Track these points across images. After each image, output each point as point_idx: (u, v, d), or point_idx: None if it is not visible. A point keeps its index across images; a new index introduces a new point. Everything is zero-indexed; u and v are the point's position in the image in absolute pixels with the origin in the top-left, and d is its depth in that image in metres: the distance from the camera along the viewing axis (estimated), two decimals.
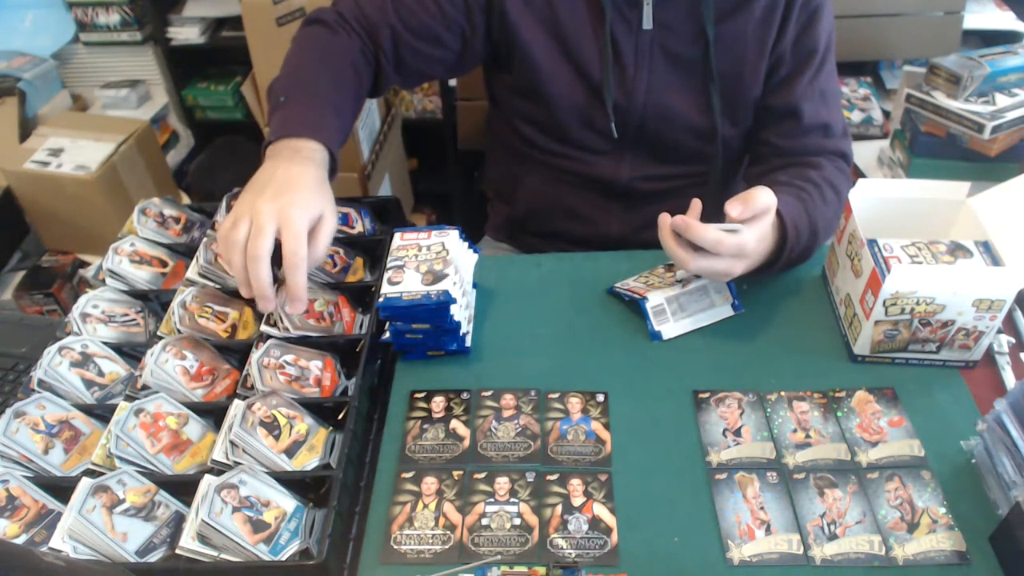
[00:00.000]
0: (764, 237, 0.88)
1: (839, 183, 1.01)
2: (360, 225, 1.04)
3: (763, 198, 0.85)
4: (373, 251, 1.00)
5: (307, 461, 0.74)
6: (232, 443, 0.73)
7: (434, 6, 1.01)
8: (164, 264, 0.98)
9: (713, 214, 0.89)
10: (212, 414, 0.80)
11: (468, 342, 0.91)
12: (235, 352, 0.87)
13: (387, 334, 0.88)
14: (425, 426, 0.83)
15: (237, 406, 0.75)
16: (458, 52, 1.06)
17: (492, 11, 1.02)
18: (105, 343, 0.86)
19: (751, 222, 0.85)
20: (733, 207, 0.83)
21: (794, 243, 0.91)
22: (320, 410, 0.79)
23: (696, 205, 0.89)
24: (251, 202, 0.80)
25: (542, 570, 0.64)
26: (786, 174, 1.02)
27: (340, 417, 0.79)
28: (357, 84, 1.00)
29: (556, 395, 0.85)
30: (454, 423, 0.83)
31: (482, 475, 0.78)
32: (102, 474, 0.71)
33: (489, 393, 0.86)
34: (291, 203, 0.79)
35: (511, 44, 1.03)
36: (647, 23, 1.00)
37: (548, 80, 1.04)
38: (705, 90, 1.04)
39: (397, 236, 0.93)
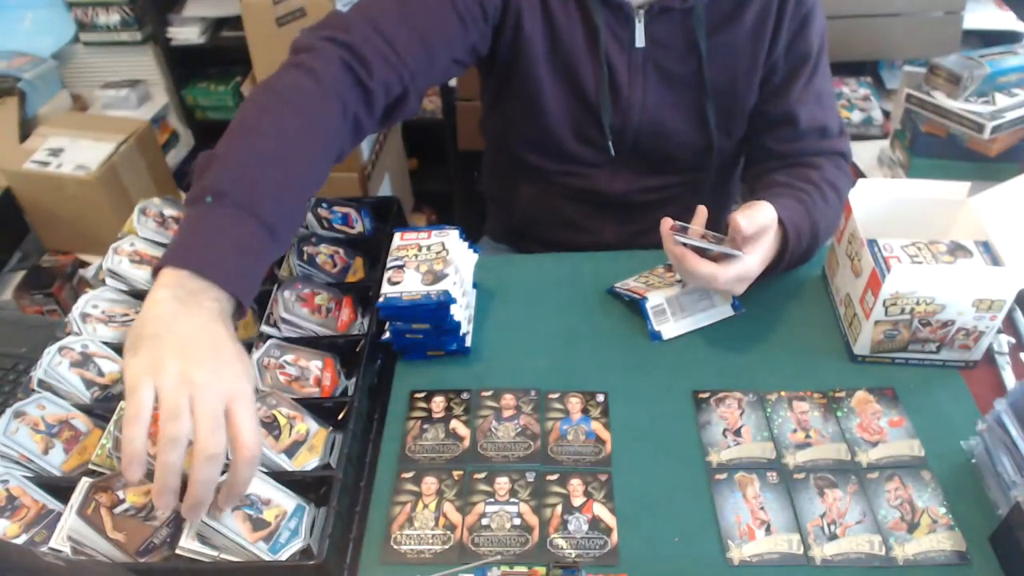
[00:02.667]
0: (767, 256, 0.89)
1: (839, 182, 1.01)
2: (360, 225, 1.04)
3: (766, 215, 0.86)
4: (373, 251, 1.00)
5: (307, 461, 0.74)
6: None
7: (455, 30, 0.93)
8: None
9: (709, 218, 0.90)
10: None
11: (468, 342, 0.91)
12: None
13: (387, 334, 0.88)
14: (425, 426, 0.83)
15: None
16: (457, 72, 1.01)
17: (504, 25, 0.99)
18: (105, 343, 0.86)
19: (754, 244, 0.86)
20: (740, 222, 0.83)
21: (795, 246, 0.91)
22: (320, 410, 0.79)
23: (701, 213, 0.89)
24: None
25: (542, 570, 0.64)
26: (786, 175, 1.01)
27: (340, 417, 0.79)
28: (321, 175, 0.81)
29: (556, 395, 0.85)
30: (454, 423, 0.83)
31: (482, 475, 0.77)
32: (102, 474, 0.71)
33: (489, 393, 0.86)
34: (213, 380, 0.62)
35: (517, 58, 1.01)
36: (639, 41, 0.99)
37: (548, 97, 1.03)
38: (700, 105, 1.04)
39: (397, 236, 0.93)
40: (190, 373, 0.61)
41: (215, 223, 0.70)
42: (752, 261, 0.86)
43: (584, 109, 1.04)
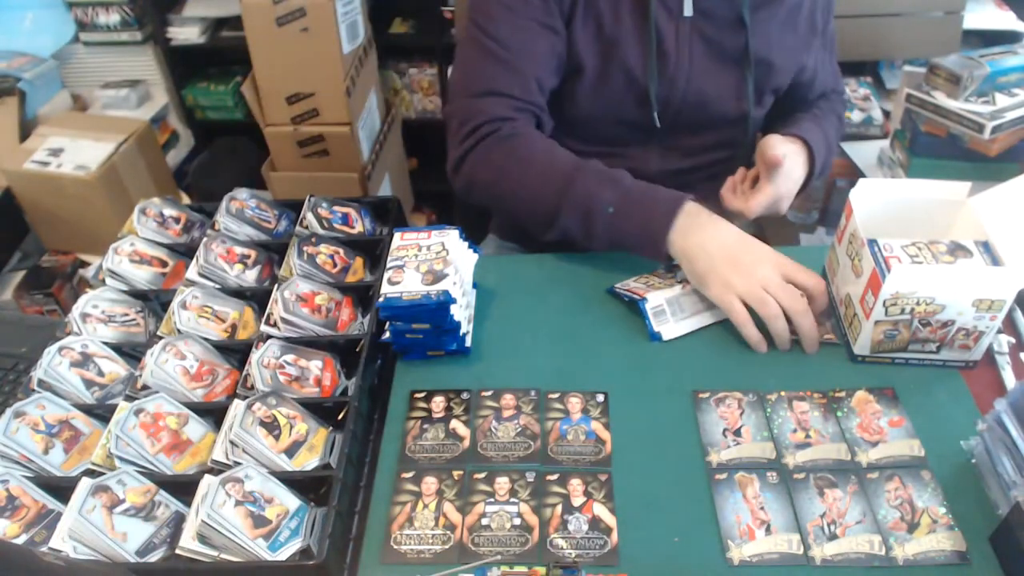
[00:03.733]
0: (799, 175, 1.06)
1: (839, 110, 1.23)
2: (360, 225, 1.04)
3: (778, 144, 1.01)
4: (373, 251, 1.00)
5: (307, 461, 0.74)
6: (232, 443, 0.73)
7: (551, 33, 1.02)
8: (164, 264, 0.98)
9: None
10: (212, 414, 0.80)
11: (468, 342, 0.91)
12: (235, 352, 0.87)
13: (387, 334, 0.88)
14: (425, 426, 0.83)
15: (237, 406, 0.75)
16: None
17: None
18: (105, 343, 0.86)
19: (777, 171, 1.01)
20: (776, 155, 0.99)
21: (818, 158, 1.07)
22: (320, 410, 0.79)
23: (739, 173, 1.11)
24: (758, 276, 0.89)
25: (542, 570, 0.64)
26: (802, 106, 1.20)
27: (340, 417, 0.79)
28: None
29: (556, 395, 0.85)
30: (454, 423, 0.83)
31: (482, 475, 0.78)
32: (102, 474, 0.71)
33: (489, 393, 0.86)
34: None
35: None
36: (688, 10, 1.02)
37: (587, 70, 1.04)
38: (740, 77, 1.07)
39: (397, 236, 0.93)
40: (752, 270, 0.88)
41: (639, 197, 0.95)
42: (780, 184, 1.01)
43: (627, 82, 1.05)
